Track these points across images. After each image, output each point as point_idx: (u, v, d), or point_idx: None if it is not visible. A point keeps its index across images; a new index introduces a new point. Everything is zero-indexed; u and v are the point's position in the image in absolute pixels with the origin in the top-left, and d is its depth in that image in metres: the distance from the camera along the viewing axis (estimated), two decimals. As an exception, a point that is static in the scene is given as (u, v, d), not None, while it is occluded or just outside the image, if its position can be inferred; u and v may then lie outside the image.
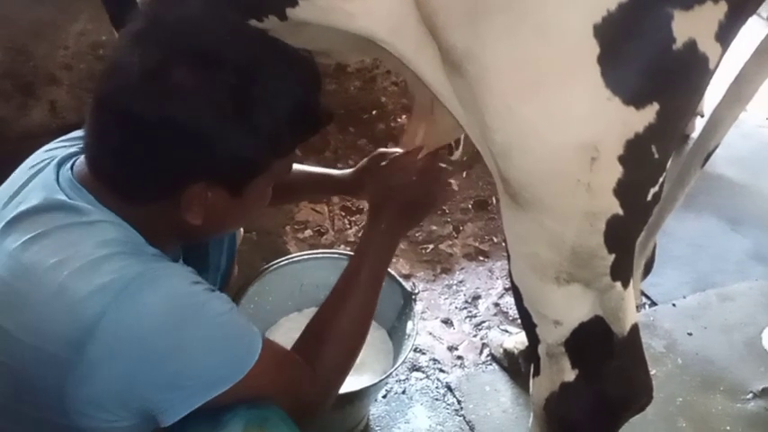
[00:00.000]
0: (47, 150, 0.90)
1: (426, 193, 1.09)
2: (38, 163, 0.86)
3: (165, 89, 0.74)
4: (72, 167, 0.83)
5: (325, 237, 1.89)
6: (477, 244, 1.90)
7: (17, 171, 0.88)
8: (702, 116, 1.88)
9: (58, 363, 0.73)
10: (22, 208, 0.79)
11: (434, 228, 1.93)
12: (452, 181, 1.16)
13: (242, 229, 1.41)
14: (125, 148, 0.78)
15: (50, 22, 1.92)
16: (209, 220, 0.82)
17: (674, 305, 1.72)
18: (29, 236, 0.76)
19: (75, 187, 0.80)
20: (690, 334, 1.63)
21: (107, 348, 0.73)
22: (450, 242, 1.91)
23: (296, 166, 1.24)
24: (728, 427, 1.41)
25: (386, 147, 1.53)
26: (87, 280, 0.73)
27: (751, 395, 1.48)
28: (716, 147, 0.84)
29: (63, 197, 0.79)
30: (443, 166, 1.13)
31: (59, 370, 0.73)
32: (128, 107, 0.76)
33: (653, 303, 1.71)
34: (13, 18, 1.87)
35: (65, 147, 0.89)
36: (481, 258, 1.86)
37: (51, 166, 0.84)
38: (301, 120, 0.82)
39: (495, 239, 1.92)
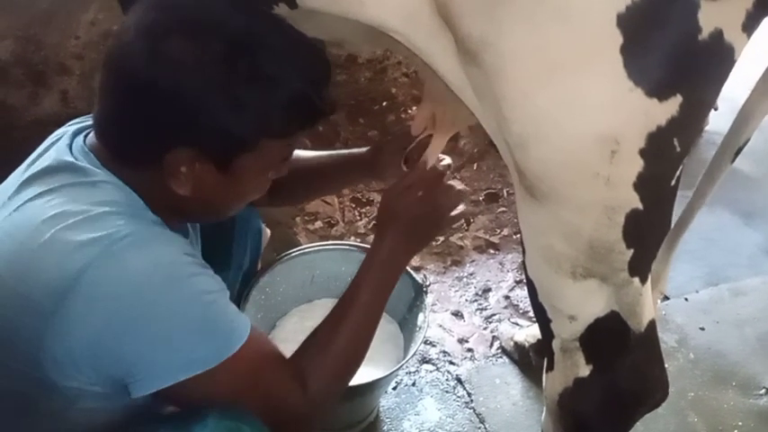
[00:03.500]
0: (71, 124, 0.91)
1: (433, 209, 1.00)
2: (59, 133, 0.89)
3: (154, 49, 0.75)
4: (86, 137, 0.86)
5: (335, 228, 1.89)
6: (487, 236, 1.89)
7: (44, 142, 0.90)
8: (716, 110, 1.85)
9: (39, 312, 0.73)
10: (34, 170, 0.82)
11: (445, 220, 1.92)
12: (462, 206, 1.05)
13: (268, 231, 1.39)
14: (115, 107, 0.80)
15: (61, 11, 1.91)
16: (197, 193, 0.82)
17: (686, 299, 1.71)
18: (36, 193, 0.79)
19: (84, 152, 0.83)
20: (702, 328, 1.62)
21: (87, 301, 0.73)
22: (461, 234, 1.89)
23: (312, 153, 1.22)
24: (740, 423, 1.40)
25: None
26: (80, 233, 0.74)
27: (763, 391, 1.47)
28: (746, 142, 0.83)
29: (71, 159, 0.82)
30: (454, 183, 1.04)
31: (40, 319, 0.73)
32: (119, 65, 0.78)
33: (665, 297, 1.70)
34: (24, 6, 1.86)
35: (86, 121, 0.91)
36: (492, 251, 1.85)
37: (68, 135, 0.86)
38: (297, 107, 0.81)
39: (506, 232, 1.91)
